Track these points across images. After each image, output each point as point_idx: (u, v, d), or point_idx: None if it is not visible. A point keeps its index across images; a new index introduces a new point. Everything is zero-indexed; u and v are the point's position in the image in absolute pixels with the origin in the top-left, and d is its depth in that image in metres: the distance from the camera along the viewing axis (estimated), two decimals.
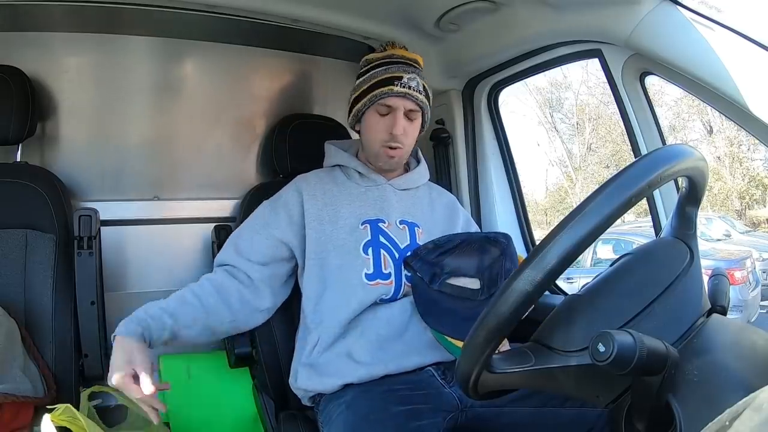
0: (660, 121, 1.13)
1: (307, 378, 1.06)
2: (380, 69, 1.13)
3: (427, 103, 1.15)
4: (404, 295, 1.09)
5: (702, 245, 0.72)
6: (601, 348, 0.51)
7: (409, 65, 1.14)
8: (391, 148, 1.12)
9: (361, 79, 1.15)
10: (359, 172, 1.18)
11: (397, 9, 1.29)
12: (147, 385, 0.85)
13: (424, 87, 1.14)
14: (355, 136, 1.29)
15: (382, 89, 1.11)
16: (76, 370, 1.19)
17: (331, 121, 1.51)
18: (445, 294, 1.04)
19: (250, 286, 1.09)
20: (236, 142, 1.59)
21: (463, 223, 1.24)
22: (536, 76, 1.45)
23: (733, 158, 10.60)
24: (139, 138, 1.49)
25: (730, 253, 5.49)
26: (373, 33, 1.37)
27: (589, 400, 0.63)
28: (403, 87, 1.10)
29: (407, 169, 1.25)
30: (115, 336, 0.93)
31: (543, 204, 13.35)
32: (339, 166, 1.21)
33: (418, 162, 1.26)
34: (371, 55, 1.19)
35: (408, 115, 1.12)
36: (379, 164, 1.16)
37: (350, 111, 1.18)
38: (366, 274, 1.08)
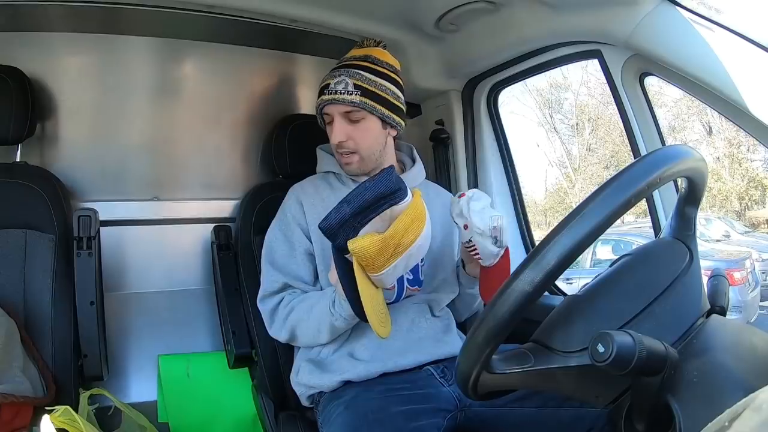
0: (659, 122, 1.13)
1: (308, 373, 1.07)
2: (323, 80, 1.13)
3: (369, 101, 1.07)
4: (406, 297, 1.10)
5: (701, 246, 0.72)
6: (601, 348, 0.51)
7: (342, 67, 1.10)
8: (342, 154, 1.12)
9: None
10: (351, 178, 1.17)
11: (397, 9, 1.29)
12: None
13: (357, 86, 1.07)
14: None
15: (318, 101, 1.12)
16: (76, 371, 1.19)
17: None
18: None
19: None
20: (236, 142, 1.59)
21: None
22: (536, 76, 1.45)
23: (733, 159, 10.60)
24: (139, 138, 1.49)
25: (729, 253, 5.49)
26: (373, 33, 1.37)
27: (589, 401, 0.63)
28: (330, 93, 1.08)
29: (403, 169, 1.24)
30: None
31: (542, 204, 13.33)
32: (332, 171, 1.21)
33: (414, 161, 1.25)
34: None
35: (348, 117, 1.09)
36: (345, 172, 1.16)
37: None
38: None
